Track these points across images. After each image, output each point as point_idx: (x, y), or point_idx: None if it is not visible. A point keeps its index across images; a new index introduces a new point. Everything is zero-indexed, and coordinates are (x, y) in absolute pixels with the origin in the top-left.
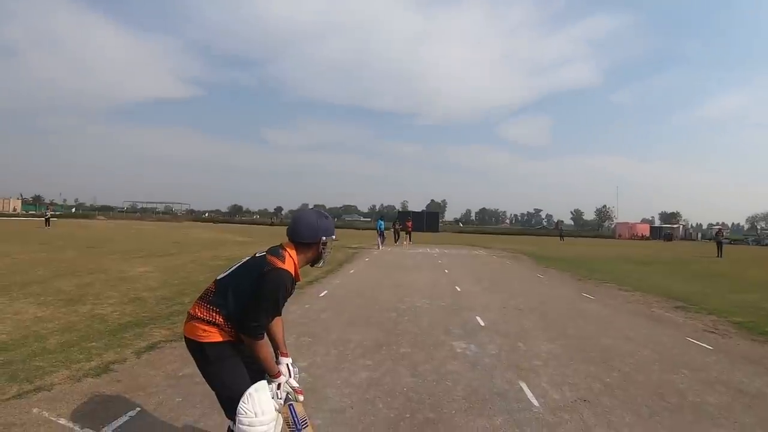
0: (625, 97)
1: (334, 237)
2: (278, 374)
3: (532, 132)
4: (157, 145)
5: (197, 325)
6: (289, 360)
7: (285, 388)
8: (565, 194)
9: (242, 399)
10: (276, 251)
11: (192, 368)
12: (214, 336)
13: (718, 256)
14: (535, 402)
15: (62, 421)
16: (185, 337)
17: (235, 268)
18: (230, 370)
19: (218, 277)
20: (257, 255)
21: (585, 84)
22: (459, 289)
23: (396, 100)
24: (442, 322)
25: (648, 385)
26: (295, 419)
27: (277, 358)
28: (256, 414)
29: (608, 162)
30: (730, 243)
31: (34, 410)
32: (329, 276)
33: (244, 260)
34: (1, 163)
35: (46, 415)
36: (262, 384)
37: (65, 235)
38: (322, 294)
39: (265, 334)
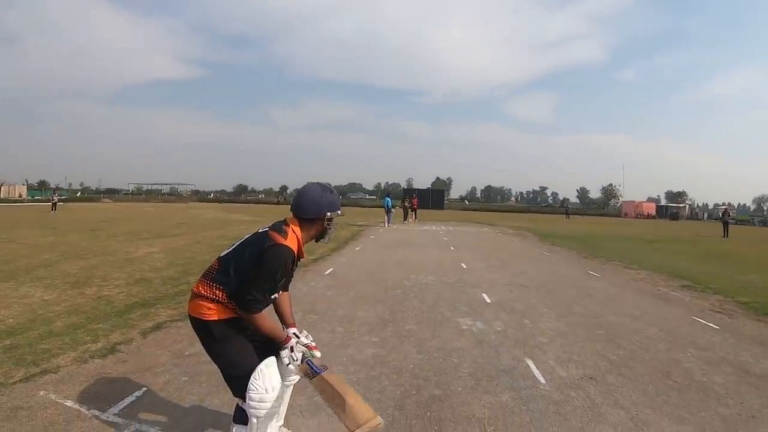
0: (630, 75)
1: (339, 212)
2: (288, 339)
3: (537, 110)
4: (161, 127)
5: (201, 303)
6: (295, 329)
7: (299, 348)
8: (571, 172)
9: (253, 375)
10: (279, 227)
11: (198, 347)
12: (218, 313)
13: (724, 236)
14: (542, 379)
15: (69, 403)
16: (190, 316)
17: (238, 245)
18: (236, 347)
19: (221, 255)
20: (260, 231)
21: (590, 61)
22: (465, 267)
23: (401, 78)
24: (447, 299)
25: (654, 364)
26: (314, 368)
27: (284, 329)
28: (266, 390)
29: (614, 140)
30: (736, 223)
31: (41, 393)
32: (334, 253)
33: (247, 236)
34: (6, 150)
35: (53, 397)
36: (272, 360)
37: (71, 219)
38: (328, 271)
39: (266, 309)
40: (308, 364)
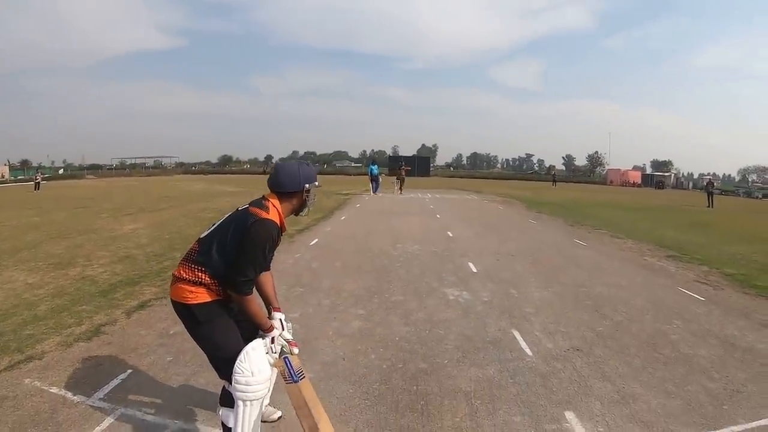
0: (618, 42)
1: (316, 183)
2: (271, 328)
3: (524, 76)
4: (142, 99)
5: (183, 287)
6: (281, 315)
7: (279, 341)
8: (557, 139)
9: (239, 358)
10: (259, 203)
11: (182, 326)
12: (201, 296)
13: (708, 207)
14: (528, 351)
15: (54, 390)
16: (172, 301)
17: (218, 225)
18: (222, 330)
19: (201, 236)
20: (239, 209)
21: (578, 28)
22: (451, 235)
23: (385, 43)
24: (434, 269)
25: (641, 336)
26: (291, 371)
27: (269, 313)
28: (252, 373)
29: (601, 108)
30: (721, 193)
31: (26, 381)
32: (320, 223)
33: (227, 216)
34: None
35: (38, 384)
36: (258, 342)
37: (55, 197)
38: (313, 242)
39: (254, 289)
40: (285, 361)
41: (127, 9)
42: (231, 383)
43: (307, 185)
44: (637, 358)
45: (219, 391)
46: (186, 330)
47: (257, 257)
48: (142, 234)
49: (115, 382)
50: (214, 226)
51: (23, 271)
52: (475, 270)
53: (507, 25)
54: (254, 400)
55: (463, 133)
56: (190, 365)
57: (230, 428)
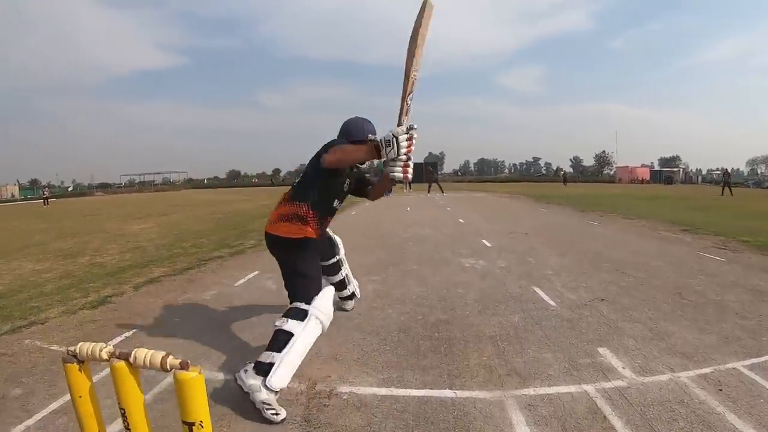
0: (620, 42)
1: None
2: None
3: (527, 80)
4: (149, 117)
5: (289, 224)
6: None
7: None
8: (564, 142)
9: (325, 294)
10: (325, 148)
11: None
12: (307, 232)
13: (722, 196)
14: (551, 302)
15: (54, 347)
16: (274, 236)
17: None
18: (314, 265)
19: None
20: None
21: (580, 29)
22: (462, 221)
23: (387, 53)
24: (447, 245)
25: (665, 288)
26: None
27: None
28: (328, 302)
29: (606, 108)
30: (733, 185)
31: (26, 341)
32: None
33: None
34: None
35: (39, 344)
36: (331, 288)
37: (64, 209)
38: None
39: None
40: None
41: (131, 30)
42: (307, 303)
43: (370, 136)
44: (665, 304)
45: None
46: (279, 263)
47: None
48: (152, 231)
49: (119, 339)
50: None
51: (31, 261)
52: (489, 245)
53: (508, 30)
54: (322, 321)
55: (469, 139)
56: (197, 323)
57: (290, 334)
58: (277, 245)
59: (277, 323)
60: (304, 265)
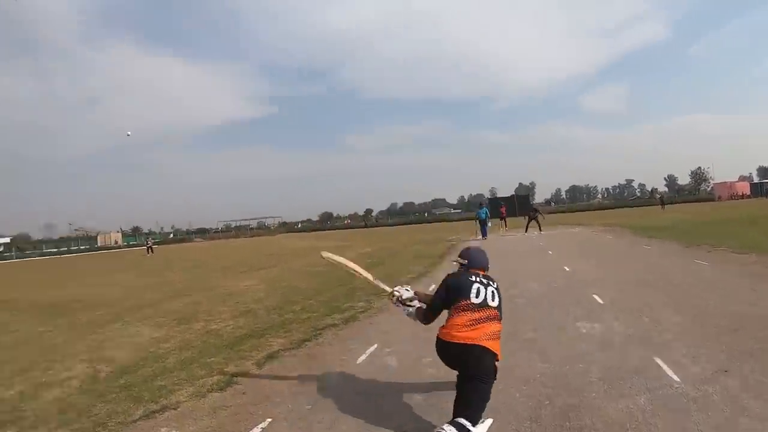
0: (702, 49)
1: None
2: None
3: (611, 100)
4: (243, 165)
5: (498, 343)
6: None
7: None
8: (656, 160)
9: (485, 424)
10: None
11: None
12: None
13: None
14: (675, 377)
15: None
16: (493, 353)
17: (494, 292)
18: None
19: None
20: (486, 278)
21: (659, 40)
22: (567, 269)
23: (469, 88)
24: (559, 304)
25: None
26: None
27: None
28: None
29: (696, 120)
30: None
31: (162, 430)
32: (432, 269)
33: (488, 286)
34: (100, 202)
35: None
36: (490, 421)
37: (168, 260)
38: (430, 289)
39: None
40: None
41: (220, 84)
42: (471, 425)
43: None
44: None
45: None
46: (476, 375)
47: None
48: (258, 290)
49: (256, 430)
50: (492, 295)
51: (147, 326)
52: (601, 302)
53: (585, 51)
54: None
55: (558, 166)
56: (331, 411)
57: None
58: (488, 361)
59: (445, 428)
60: (490, 389)
